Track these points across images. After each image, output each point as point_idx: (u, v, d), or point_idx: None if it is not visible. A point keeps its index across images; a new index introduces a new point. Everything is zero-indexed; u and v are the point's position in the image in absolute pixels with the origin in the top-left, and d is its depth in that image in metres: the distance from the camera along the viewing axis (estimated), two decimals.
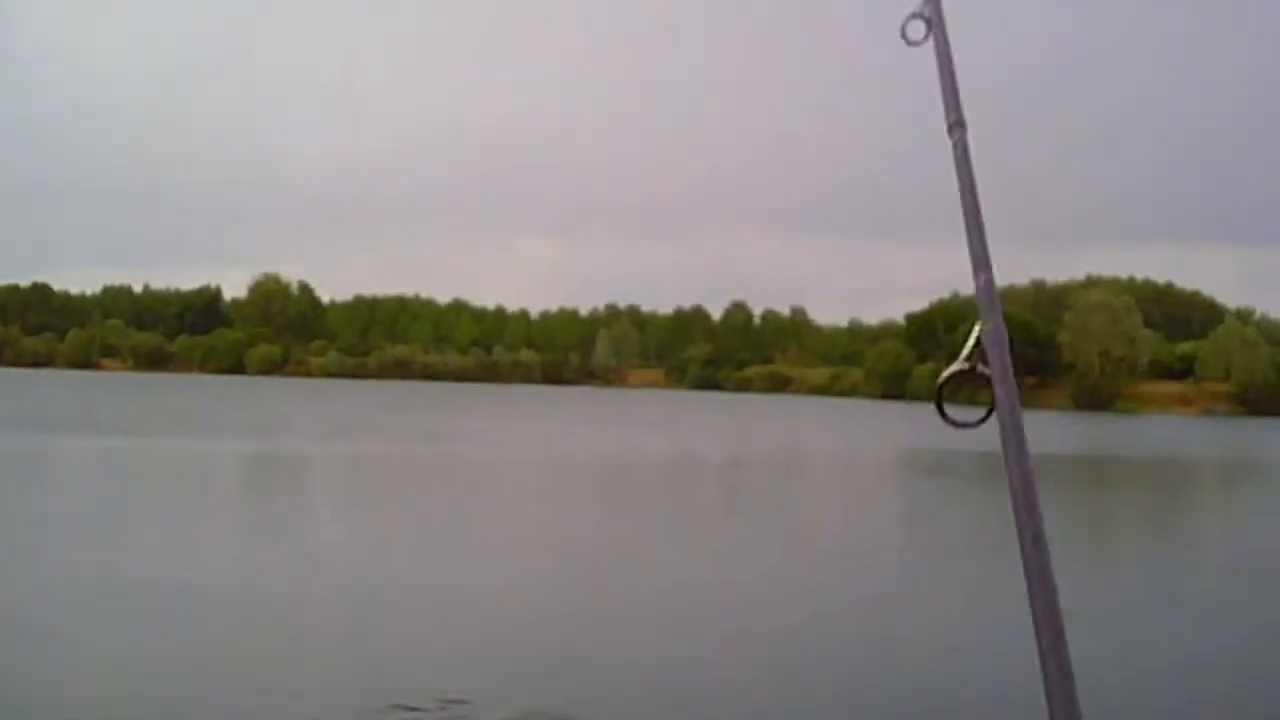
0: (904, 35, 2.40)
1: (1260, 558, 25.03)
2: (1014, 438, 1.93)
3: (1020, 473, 1.88)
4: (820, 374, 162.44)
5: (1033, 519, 1.82)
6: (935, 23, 2.38)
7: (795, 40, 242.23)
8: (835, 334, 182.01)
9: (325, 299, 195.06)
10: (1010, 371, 2.08)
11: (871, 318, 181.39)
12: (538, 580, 19.32)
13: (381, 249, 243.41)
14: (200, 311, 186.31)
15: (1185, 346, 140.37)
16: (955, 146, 2.34)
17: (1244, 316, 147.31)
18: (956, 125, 2.29)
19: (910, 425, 77.16)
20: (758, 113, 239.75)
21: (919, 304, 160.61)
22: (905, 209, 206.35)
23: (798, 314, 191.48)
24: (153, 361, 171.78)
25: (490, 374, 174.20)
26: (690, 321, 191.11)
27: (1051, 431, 75.20)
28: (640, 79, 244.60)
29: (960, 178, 2.32)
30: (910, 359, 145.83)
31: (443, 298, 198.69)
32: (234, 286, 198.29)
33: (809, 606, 17.67)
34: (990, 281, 2.18)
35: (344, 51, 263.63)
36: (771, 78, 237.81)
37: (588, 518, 28.88)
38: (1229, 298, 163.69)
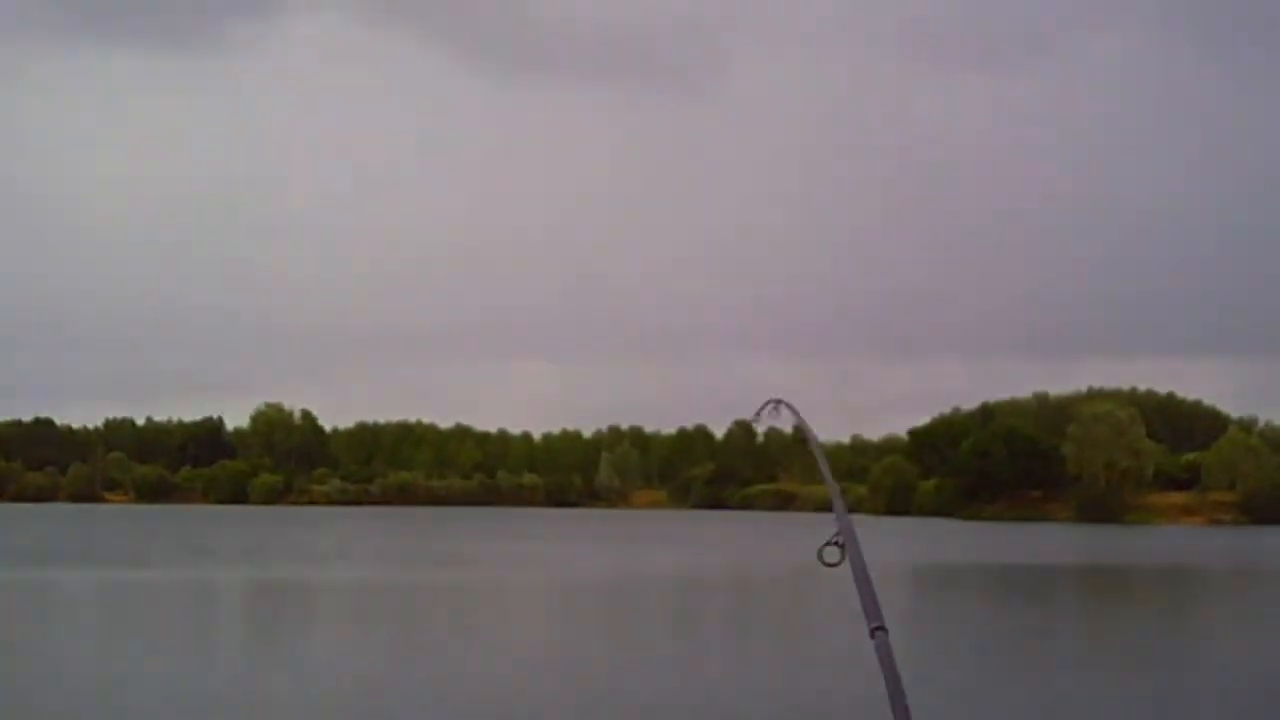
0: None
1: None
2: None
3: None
4: (823, 490, 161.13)
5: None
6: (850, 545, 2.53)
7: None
8: (838, 450, 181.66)
9: (328, 427, 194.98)
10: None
11: (873, 434, 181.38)
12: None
13: (384, 376, 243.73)
14: (202, 442, 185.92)
15: (1190, 457, 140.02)
16: (878, 649, 2.52)
17: (1247, 426, 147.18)
18: (878, 630, 2.40)
19: (916, 540, 76.84)
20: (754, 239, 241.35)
21: (921, 419, 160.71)
22: (902, 328, 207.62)
23: (799, 433, 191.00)
24: (156, 493, 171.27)
25: (493, 497, 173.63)
26: (693, 440, 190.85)
27: (1054, 542, 74.95)
28: (638, 199, 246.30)
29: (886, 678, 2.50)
30: (914, 474, 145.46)
31: (445, 423, 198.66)
32: (236, 416, 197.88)
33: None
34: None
35: (339, 179, 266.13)
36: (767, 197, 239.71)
37: (592, 640, 28.71)
38: (1231, 408, 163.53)
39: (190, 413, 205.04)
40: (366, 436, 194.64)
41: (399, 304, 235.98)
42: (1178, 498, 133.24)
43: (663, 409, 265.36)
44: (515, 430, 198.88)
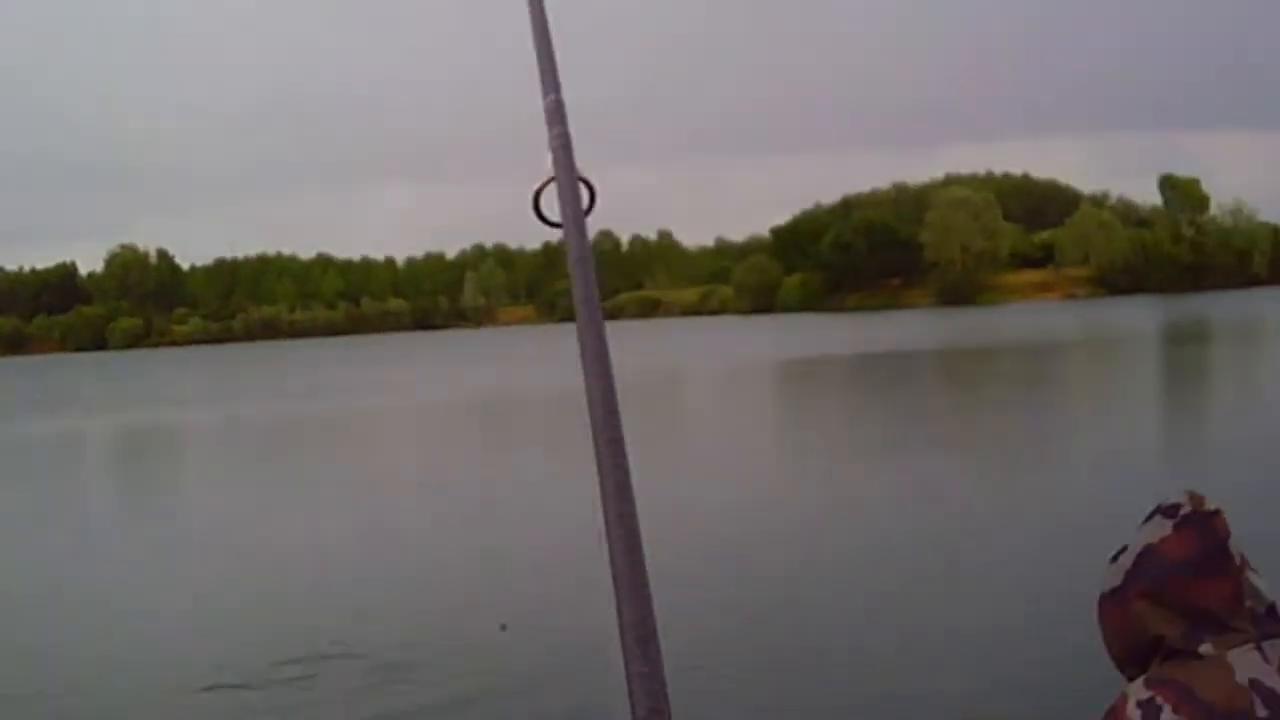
0: None
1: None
2: (588, 313, 1.79)
3: (599, 380, 1.74)
4: (690, 294, 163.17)
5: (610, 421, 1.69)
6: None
7: None
8: (703, 254, 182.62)
9: (185, 265, 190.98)
10: (585, 230, 1.94)
11: (737, 235, 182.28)
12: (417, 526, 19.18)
13: (240, 209, 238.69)
14: (56, 290, 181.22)
15: (1044, 235, 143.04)
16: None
17: (1099, 201, 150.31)
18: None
19: (780, 337, 77.92)
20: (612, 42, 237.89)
21: (783, 217, 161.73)
22: (762, 128, 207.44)
23: (664, 237, 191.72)
24: (11, 345, 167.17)
25: (360, 325, 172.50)
26: (557, 255, 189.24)
27: (917, 329, 76.45)
28: (486, 7, 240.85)
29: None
30: (777, 272, 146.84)
31: (306, 253, 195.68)
32: (91, 261, 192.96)
33: (689, 513, 17.70)
34: (558, 105, 2.02)
35: (190, 11, 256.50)
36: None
37: (467, 461, 28.71)
38: (1083, 184, 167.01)
39: (42, 260, 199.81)
40: (225, 273, 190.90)
41: (252, 136, 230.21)
42: (1033, 276, 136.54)
43: (526, 226, 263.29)
44: (378, 256, 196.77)
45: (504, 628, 12.29)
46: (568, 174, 1.98)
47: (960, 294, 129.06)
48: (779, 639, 11.66)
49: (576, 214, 1.97)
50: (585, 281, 1.83)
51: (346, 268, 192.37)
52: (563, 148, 2.04)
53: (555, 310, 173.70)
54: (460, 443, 32.74)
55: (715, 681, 10.14)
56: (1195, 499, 2.59)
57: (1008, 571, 13.35)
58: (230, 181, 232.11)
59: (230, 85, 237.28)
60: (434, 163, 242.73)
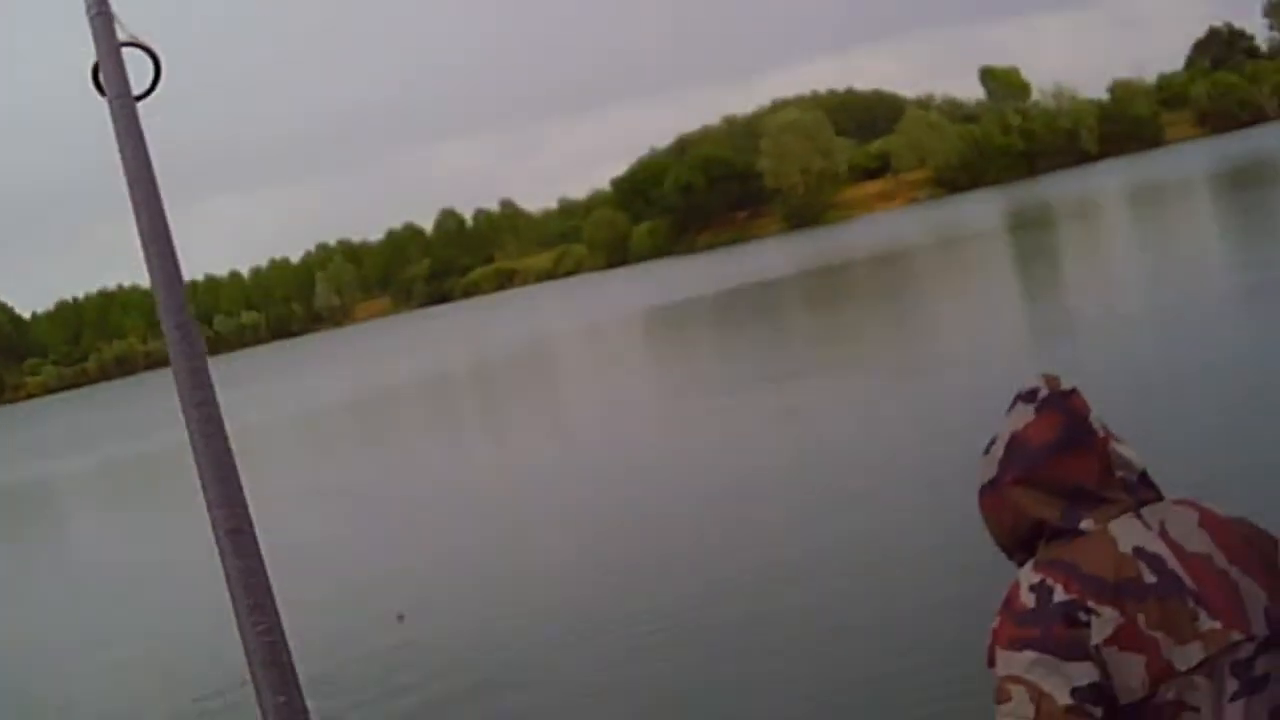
0: None
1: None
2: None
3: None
4: (543, 259, 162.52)
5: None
6: None
7: None
8: (548, 217, 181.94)
9: (26, 314, 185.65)
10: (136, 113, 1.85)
11: (579, 193, 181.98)
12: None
13: (70, 247, 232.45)
14: None
15: (878, 145, 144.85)
16: None
17: (924, 104, 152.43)
18: None
19: (637, 287, 78.07)
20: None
21: (621, 167, 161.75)
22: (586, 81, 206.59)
23: (507, 206, 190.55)
24: None
25: (217, 345, 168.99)
26: (404, 241, 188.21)
27: (770, 258, 77.08)
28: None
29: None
30: (625, 223, 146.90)
31: (146, 282, 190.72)
32: None
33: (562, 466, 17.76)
34: None
35: None
36: None
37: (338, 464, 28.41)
38: (906, 89, 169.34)
39: None
40: (69, 314, 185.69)
41: (57, 171, 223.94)
42: (874, 187, 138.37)
43: (368, 217, 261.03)
44: (222, 273, 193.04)
45: (401, 618, 12.42)
46: (110, 43, 1.88)
47: (806, 216, 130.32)
48: (663, 567, 11.85)
49: (124, 87, 1.88)
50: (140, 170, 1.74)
51: (193, 289, 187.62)
52: (100, 15, 1.93)
53: (412, 297, 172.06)
54: (334, 446, 32.40)
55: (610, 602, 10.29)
56: (1051, 380, 2.67)
57: (889, 482, 13.55)
58: (50, 220, 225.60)
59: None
60: (251, 169, 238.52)
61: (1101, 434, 2.61)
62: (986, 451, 2.70)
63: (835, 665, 8.78)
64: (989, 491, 2.67)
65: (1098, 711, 2.37)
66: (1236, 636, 2.44)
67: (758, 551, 12.05)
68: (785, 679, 8.76)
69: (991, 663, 2.50)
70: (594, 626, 10.82)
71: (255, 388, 61.89)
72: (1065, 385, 2.66)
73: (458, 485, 20.48)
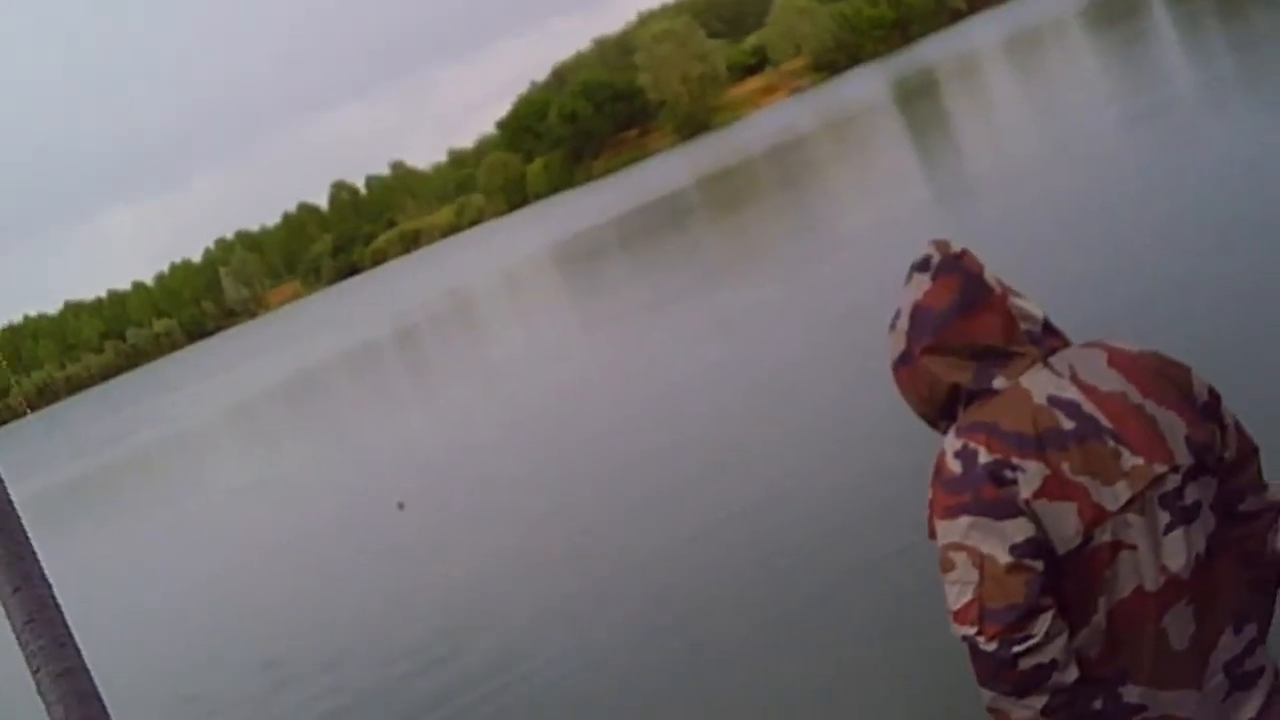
0: None
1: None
2: None
3: None
4: (444, 214, 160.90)
5: None
6: None
7: None
8: (441, 171, 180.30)
9: None
10: None
11: (466, 141, 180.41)
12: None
13: None
14: None
15: (752, 40, 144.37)
16: None
17: None
18: None
19: (541, 225, 77.69)
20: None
21: (502, 109, 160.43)
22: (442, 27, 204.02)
23: (398, 168, 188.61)
24: None
25: (136, 358, 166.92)
26: (302, 221, 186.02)
27: (667, 172, 76.92)
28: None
29: None
30: (518, 164, 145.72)
31: (53, 307, 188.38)
32: None
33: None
34: None
35: None
36: None
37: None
38: None
39: None
40: None
41: None
42: (756, 83, 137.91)
43: (261, 204, 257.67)
44: (125, 285, 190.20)
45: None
46: None
47: (695, 124, 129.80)
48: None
49: None
50: None
51: (99, 306, 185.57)
52: None
53: (321, 275, 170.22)
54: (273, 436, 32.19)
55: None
56: (941, 245, 2.70)
57: (828, 370, 13.69)
58: None
59: None
60: (132, 177, 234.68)
61: (999, 290, 2.65)
62: (892, 327, 2.73)
63: (781, 532, 9.00)
64: (901, 365, 2.71)
65: (1038, 565, 2.43)
66: (1161, 469, 2.49)
67: (703, 454, 12.22)
68: (733, 549, 9.10)
69: (933, 534, 2.56)
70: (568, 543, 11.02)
71: (185, 391, 61.31)
72: (955, 248, 2.69)
73: (393, 448, 20.48)
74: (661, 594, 8.94)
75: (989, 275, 2.65)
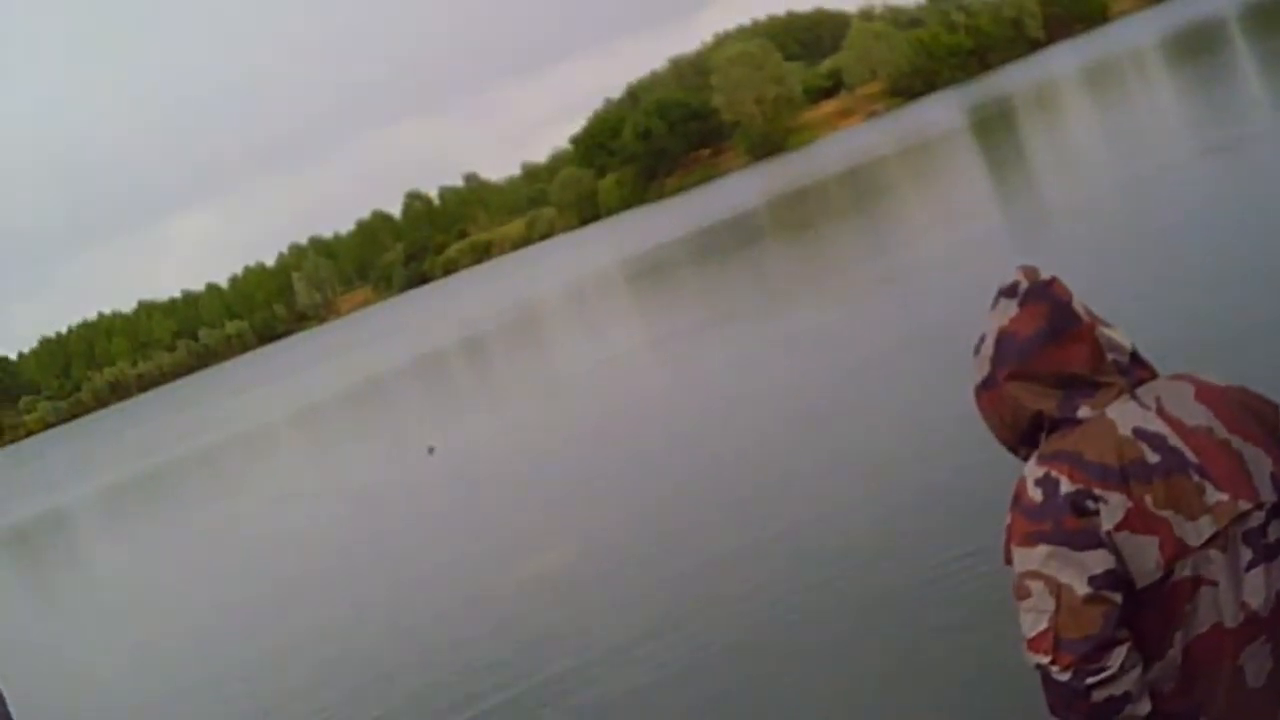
0: None
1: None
2: None
3: None
4: (516, 226, 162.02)
5: None
6: None
7: None
8: (514, 184, 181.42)
9: (12, 354, 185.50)
10: None
11: (539, 155, 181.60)
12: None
13: (44, 283, 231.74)
14: None
15: (828, 64, 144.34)
16: None
17: (868, 15, 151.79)
18: None
19: (612, 241, 77.82)
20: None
21: (578, 124, 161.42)
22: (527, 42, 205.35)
23: (471, 179, 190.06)
24: None
25: (206, 359, 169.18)
26: (375, 229, 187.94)
27: (740, 191, 76.89)
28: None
29: None
30: (590, 179, 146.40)
31: (127, 306, 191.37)
32: None
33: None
34: None
35: None
36: None
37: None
38: (848, 3, 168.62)
39: None
40: (55, 349, 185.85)
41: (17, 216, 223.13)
42: (831, 106, 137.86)
43: (336, 211, 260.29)
44: (198, 287, 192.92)
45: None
46: None
47: (769, 145, 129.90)
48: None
49: None
50: None
51: (172, 307, 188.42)
52: None
53: (393, 283, 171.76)
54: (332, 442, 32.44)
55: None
56: (1029, 272, 2.70)
57: (895, 391, 13.62)
58: (9, 264, 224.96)
59: None
60: (207, 181, 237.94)
61: (1087, 319, 2.64)
62: (976, 351, 2.73)
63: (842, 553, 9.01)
64: (985, 390, 2.70)
65: (1117, 597, 2.42)
66: (1245, 505, 2.48)
67: (772, 468, 12.22)
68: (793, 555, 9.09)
69: (1009, 560, 2.55)
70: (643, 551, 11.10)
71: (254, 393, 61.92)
72: (1044, 276, 2.69)
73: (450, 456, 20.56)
74: (711, 607, 8.94)
75: (1077, 303, 2.65)
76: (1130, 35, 78.06)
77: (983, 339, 2.70)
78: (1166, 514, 2.43)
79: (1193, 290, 12.76)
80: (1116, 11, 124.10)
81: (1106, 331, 2.64)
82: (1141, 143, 27.33)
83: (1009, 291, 2.67)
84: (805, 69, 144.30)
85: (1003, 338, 2.64)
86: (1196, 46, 47.36)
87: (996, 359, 2.65)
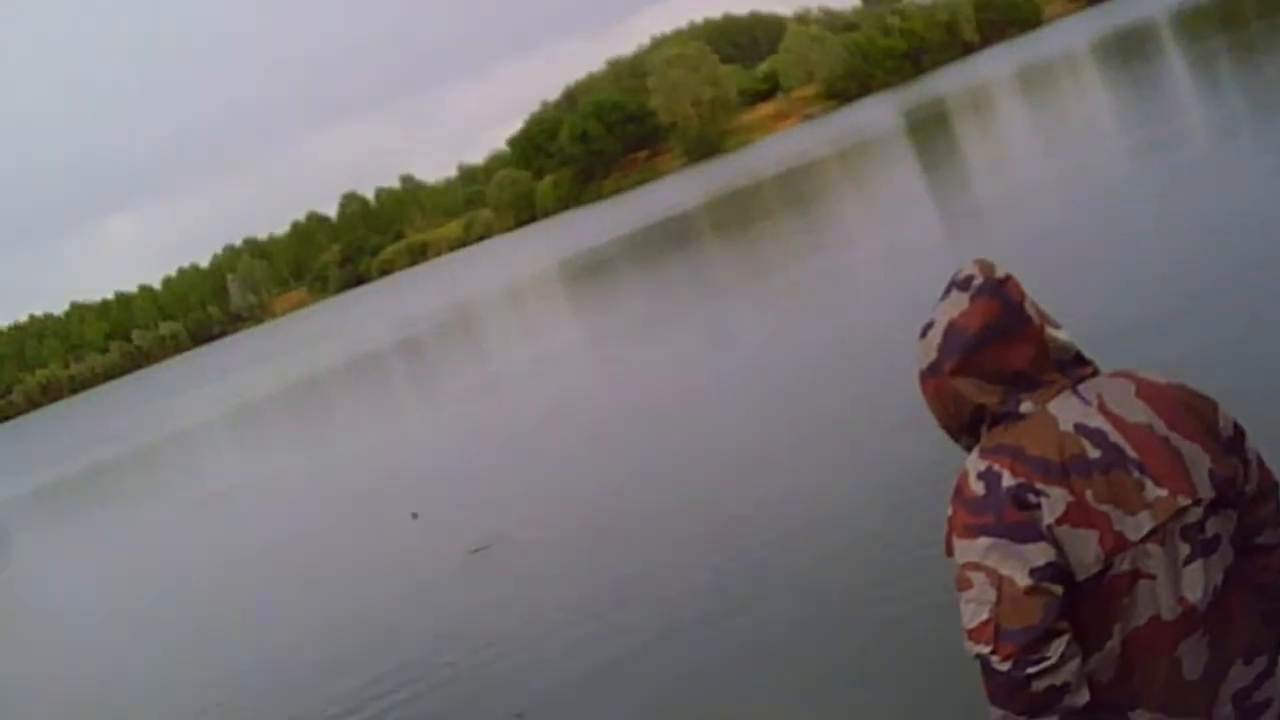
0: None
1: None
2: None
3: None
4: (452, 228, 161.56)
5: None
6: None
7: None
8: (450, 185, 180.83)
9: None
10: None
11: (477, 157, 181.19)
12: None
13: None
14: None
15: (764, 67, 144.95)
16: None
17: (804, 19, 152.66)
18: None
19: (549, 242, 77.67)
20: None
21: (515, 126, 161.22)
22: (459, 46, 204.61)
23: (408, 181, 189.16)
24: None
25: (139, 360, 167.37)
26: (310, 230, 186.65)
27: (676, 193, 77.01)
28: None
29: None
30: (527, 181, 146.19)
31: (58, 308, 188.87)
32: None
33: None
34: None
35: None
36: None
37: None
38: (784, 7, 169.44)
39: None
40: None
41: None
42: (767, 109, 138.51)
43: (270, 212, 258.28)
44: (131, 288, 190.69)
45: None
46: None
47: (706, 147, 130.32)
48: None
49: None
50: None
51: (105, 308, 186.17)
52: None
53: (329, 285, 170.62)
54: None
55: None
56: (984, 267, 2.69)
57: (834, 381, 13.67)
58: None
59: None
60: (140, 181, 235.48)
61: (1037, 321, 2.64)
62: (923, 335, 2.72)
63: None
64: (930, 376, 2.70)
65: (1057, 589, 2.44)
66: (1184, 501, 2.50)
67: (720, 461, 12.22)
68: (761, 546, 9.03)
69: (950, 551, 2.57)
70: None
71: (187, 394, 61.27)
72: (1000, 273, 2.69)
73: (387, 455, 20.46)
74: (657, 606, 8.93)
75: (1029, 304, 2.65)
76: (1063, 39, 78.90)
77: (931, 324, 2.70)
78: (1106, 509, 2.45)
79: (1112, 282, 12.93)
80: (1050, 15, 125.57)
81: (1054, 333, 2.65)
82: (1070, 142, 27.67)
83: (962, 284, 2.66)
84: (742, 72, 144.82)
85: (951, 330, 2.64)
86: (1127, 50, 47.95)
87: (943, 349, 2.65)
